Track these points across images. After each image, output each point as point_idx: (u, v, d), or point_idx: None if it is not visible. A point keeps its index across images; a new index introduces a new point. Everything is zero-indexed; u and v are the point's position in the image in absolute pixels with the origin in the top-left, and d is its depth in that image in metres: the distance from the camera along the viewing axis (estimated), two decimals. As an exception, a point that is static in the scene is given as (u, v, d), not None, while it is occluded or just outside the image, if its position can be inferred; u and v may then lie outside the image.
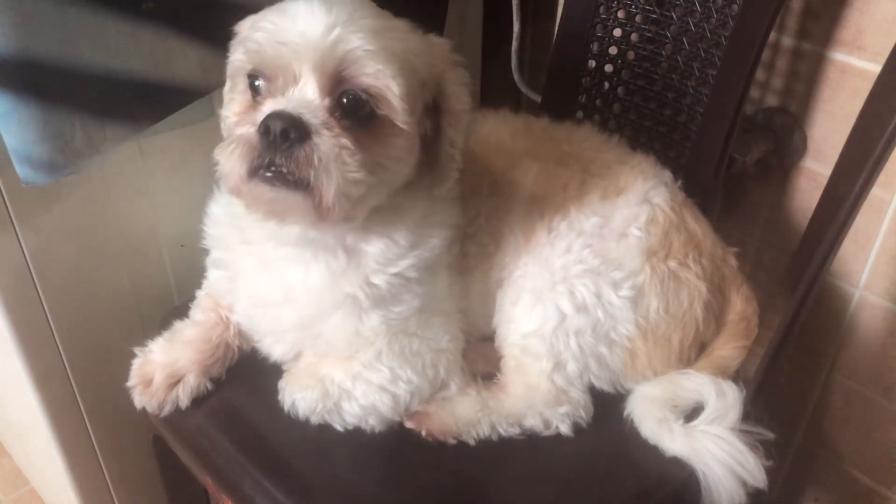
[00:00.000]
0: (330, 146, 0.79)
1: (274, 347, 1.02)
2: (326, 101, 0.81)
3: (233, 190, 0.84)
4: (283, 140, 0.77)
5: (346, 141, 0.79)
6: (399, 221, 0.93)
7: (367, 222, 0.91)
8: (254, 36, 0.82)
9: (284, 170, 0.78)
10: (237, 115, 0.87)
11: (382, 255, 0.93)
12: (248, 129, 0.80)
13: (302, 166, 0.78)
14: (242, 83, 0.87)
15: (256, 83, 0.84)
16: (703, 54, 1.17)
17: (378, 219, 0.91)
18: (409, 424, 0.99)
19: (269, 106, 0.81)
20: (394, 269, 0.93)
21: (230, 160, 0.81)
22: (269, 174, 0.79)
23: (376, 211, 0.90)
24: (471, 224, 1.01)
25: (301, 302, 0.95)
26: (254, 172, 0.80)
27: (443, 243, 0.96)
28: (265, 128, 0.78)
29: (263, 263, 0.97)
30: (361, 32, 0.79)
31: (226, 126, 0.90)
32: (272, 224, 0.89)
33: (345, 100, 0.81)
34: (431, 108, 0.89)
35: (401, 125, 0.83)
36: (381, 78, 0.80)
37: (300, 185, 0.79)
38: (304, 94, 0.81)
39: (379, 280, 0.93)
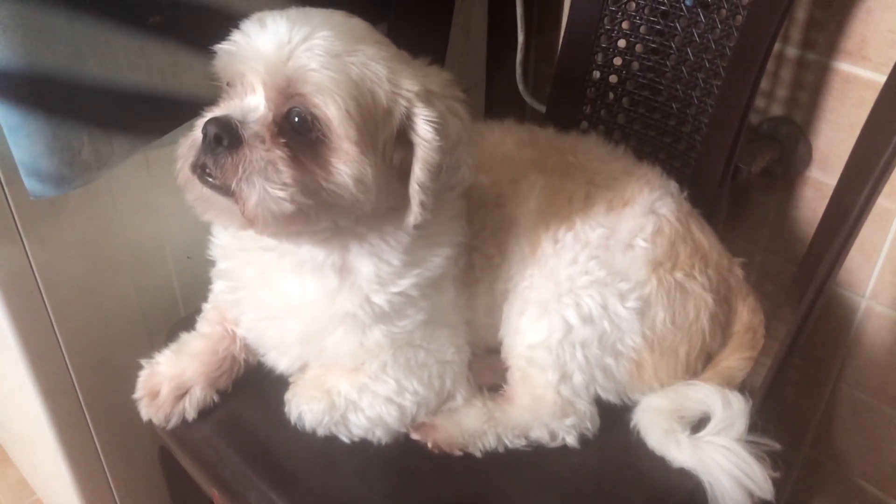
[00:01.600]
0: (258, 158, 0.79)
1: (279, 360, 1.02)
2: (270, 115, 0.81)
3: (180, 183, 0.86)
4: (215, 144, 0.80)
5: (278, 155, 0.80)
6: (384, 245, 0.92)
7: (351, 244, 0.91)
8: (224, 44, 0.84)
9: (210, 173, 0.81)
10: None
11: (376, 276, 0.92)
12: (196, 132, 0.83)
13: (227, 173, 0.80)
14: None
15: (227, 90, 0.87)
16: (707, 65, 1.17)
17: (359, 241, 0.92)
18: (415, 436, 0.99)
19: (214, 111, 0.84)
20: (395, 289, 0.93)
21: (181, 155, 0.84)
22: (202, 175, 0.82)
23: (352, 234, 0.90)
24: (476, 236, 1.01)
25: (303, 316, 0.95)
26: (192, 170, 0.83)
27: (445, 261, 0.96)
28: (203, 132, 0.81)
29: (262, 272, 0.97)
30: (315, 52, 0.79)
31: None
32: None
33: (295, 118, 0.81)
34: (404, 142, 0.86)
35: (346, 151, 0.82)
36: (322, 100, 0.79)
37: (224, 190, 0.81)
38: (249, 105, 0.82)
39: (379, 299, 0.93)
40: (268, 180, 0.80)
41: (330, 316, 0.94)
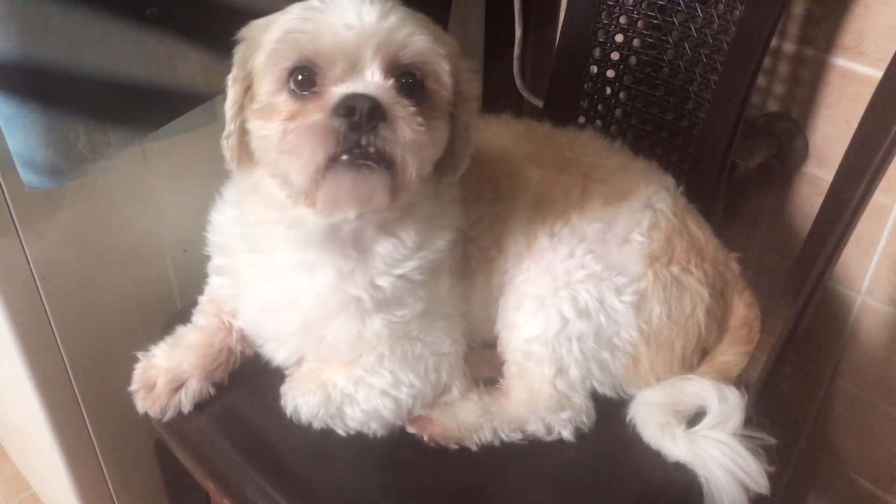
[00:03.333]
0: (409, 124, 0.79)
1: (276, 352, 1.02)
2: (391, 83, 0.81)
3: (303, 187, 0.81)
4: (368, 119, 0.77)
5: (418, 122, 0.80)
6: (409, 219, 0.93)
7: (380, 219, 0.91)
8: (303, 27, 0.81)
9: (372, 149, 0.78)
10: (287, 113, 0.82)
11: (390, 256, 0.93)
12: (318, 116, 0.78)
13: (389, 144, 0.78)
14: (275, 83, 0.83)
15: (299, 78, 0.82)
16: (704, 60, 1.17)
17: (390, 216, 0.91)
18: (411, 429, 0.99)
19: (340, 90, 0.80)
20: (399, 271, 0.93)
21: (299, 155, 0.79)
22: (351, 157, 0.78)
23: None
24: (472, 227, 1.01)
25: (305, 306, 0.95)
26: (334, 159, 0.78)
27: (447, 245, 0.96)
28: (347, 109, 0.77)
29: (269, 271, 0.97)
30: (410, 18, 0.82)
31: (264, 128, 0.84)
32: (291, 229, 0.90)
33: (403, 80, 0.82)
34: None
35: (443, 111, 0.85)
36: (435, 58, 0.82)
37: (387, 163, 0.79)
38: (373, 78, 0.81)
39: (384, 282, 0.93)
40: (421, 147, 0.81)
41: (335, 302, 0.93)
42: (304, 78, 0.82)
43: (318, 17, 0.81)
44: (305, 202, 0.84)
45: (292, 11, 0.84)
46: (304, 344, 0.99)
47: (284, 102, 0.83)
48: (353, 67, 0.81)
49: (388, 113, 0.78)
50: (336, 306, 0.94)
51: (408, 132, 0.79)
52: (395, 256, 0.93)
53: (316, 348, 0.99)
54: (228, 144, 0.89)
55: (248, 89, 0.88)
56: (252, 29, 0.88)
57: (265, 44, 0.84)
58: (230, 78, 0.88)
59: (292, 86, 0.82)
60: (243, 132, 0.88)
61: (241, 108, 0.88)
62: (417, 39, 0.81)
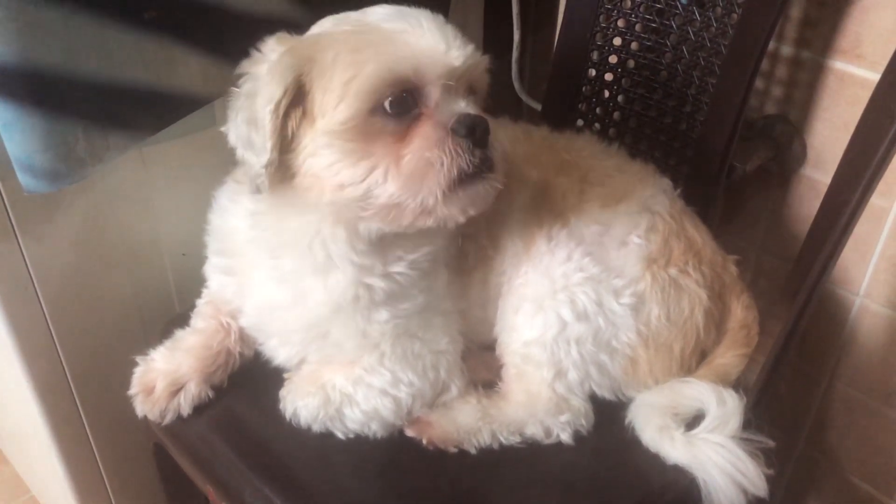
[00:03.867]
0: (498, 145, 0.87)
1: (279, 350, 1.02)
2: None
3: (433, 206, 0.84)
4: (483, 135, 0.84)
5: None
6: None
7: None
8: (399, 51, 0.82)
9: (488, 161, 0.85)
10: (391, 136, 0.83)
11: (404, 244, 0.94)
12: (442, 137, 0.83)
13: (495, 154, 0.86)
14: (363, 105, 0.82)
15: (397, 100, 0.82)
16: (702, 63, 1.18)
17: None
18: (409, 432, 0.99)
19: (453, 110, 0.84)
20: (412, 256, 0.94)
21: (425, 176, 0.82)
22: (476, 170, 0.84)
23: None
24: (469, 224, 1.01)
25: (314, 304, 0.95)
26: (464, 175, 0.84)
27: (448, 234, 0.97)
28: (469, 129, 0.83)
29: (279, 272, 0.96)
30: (473, 48, 0.87)
31: (351, 152, 0.83)
32: (334, 237, 0.90)
33: (470, 97, 0.88)
34: None
35: None
36: (487, 81, 0.90)
37: (494, 171, 0.86)
38: (465, 98, 0.86)
39: (399, 268, 0.94)
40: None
41: (346, 298, 0.93)
42: (403, 100, 0.83)
43: (409, 40, 0.82)
44: (412, 218, 0.86)
45: (357, 27, 0.84)
46: (308, 340, 0.99)
47: (382, 125, 0.83)
48: (449, 90, 0.84)
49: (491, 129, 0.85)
50: (347, 301, 0.93)
51: (502, 144, 0.88)
52: (408, 244, 0.94)
53: (319, 346, 0.99)
54: (267, 173, 0.85)
55: (288, 110, 0.84)
56: (301, 46, 0.85)
57: (333, 62, 0.82)
58: (265, 100, 0.82)
59: (387, 108, 0.82)
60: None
61: (285, 130, 0.85)
62: (484, 64, 0.88)
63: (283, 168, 0.86)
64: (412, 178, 0.82)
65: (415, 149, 0.82)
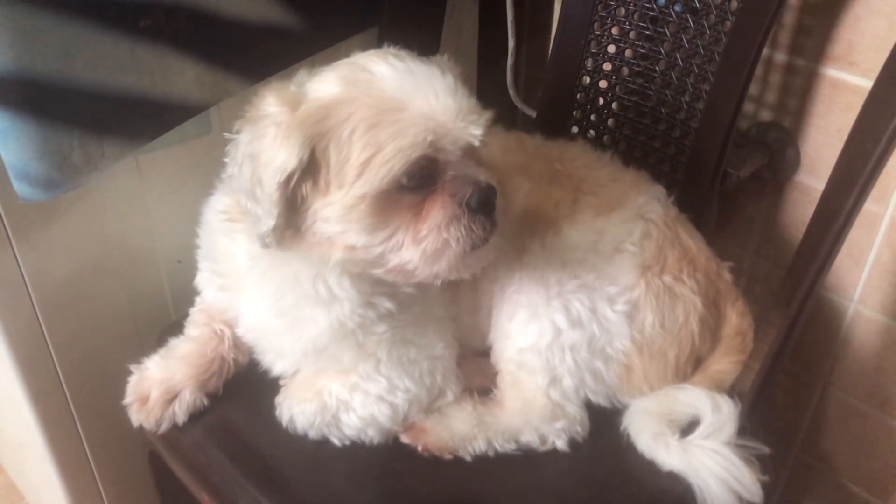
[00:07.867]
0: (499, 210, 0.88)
1: (276, 363, 1.02)
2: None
3: (444, 273, 0.86)
4: (493, 205, 0.86)
5: None
6: None
7: None
8: (421, 129, 0.80)
9: (496, 226, 0.87)
10: (409, 210, 0.84)
11: None
12: (458, 213, 0.84)
13: (499, 214, 0.88)
14: (382, 179, 0.80)
15: (417, 172, 0.82)
16: (696, 70, 1.18)
17: None
18: (405, 439, 0.99)
19: (467, 181, 0.85)
20: None
21: (442, 254, 0.84)
22: (486, 236, 0.86)
23: None
24: None
25: (314, 329, 0.94)
26: (475, 238, 0.85)
27: None
28: (481, 203, 0.85)
29: (279, 307, 0.95)
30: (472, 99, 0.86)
31: (369, 227, 0.83)
32: (338, 283, 0.91)
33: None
34: None
35: None
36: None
37: (497, 228, 0.88)
38: (475, 163, 0.88)
39: (405, 287, 0.94)
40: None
41: (350, 324, 0.93)
42: (420, 175, 0.83)
43: (424, 112, 0.81)
44: (422, 279, 0.87)
45: (369, 96, 0.81)
46: (305, 357, 0.98)
47: (398, 197, 0.83)
48: (461, 157, 0.85)
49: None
50: (352, 325, 0.93)
51: (505, 202, 0.89)
52: None
53: (316, 359, 0.99)
54: (274, 237, 0.83)
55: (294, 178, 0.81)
56: (312, 118, 0.80)
57: (349, 139, 0.80)
58: (275, 170, 0.80)
59: (405, 182, 0.82)
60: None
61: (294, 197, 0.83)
62: (490, 122, 0.86)
63: (290, 226, 0.85)
64: (430, 255, 0.84)
65: (432, 226, 0.83)
